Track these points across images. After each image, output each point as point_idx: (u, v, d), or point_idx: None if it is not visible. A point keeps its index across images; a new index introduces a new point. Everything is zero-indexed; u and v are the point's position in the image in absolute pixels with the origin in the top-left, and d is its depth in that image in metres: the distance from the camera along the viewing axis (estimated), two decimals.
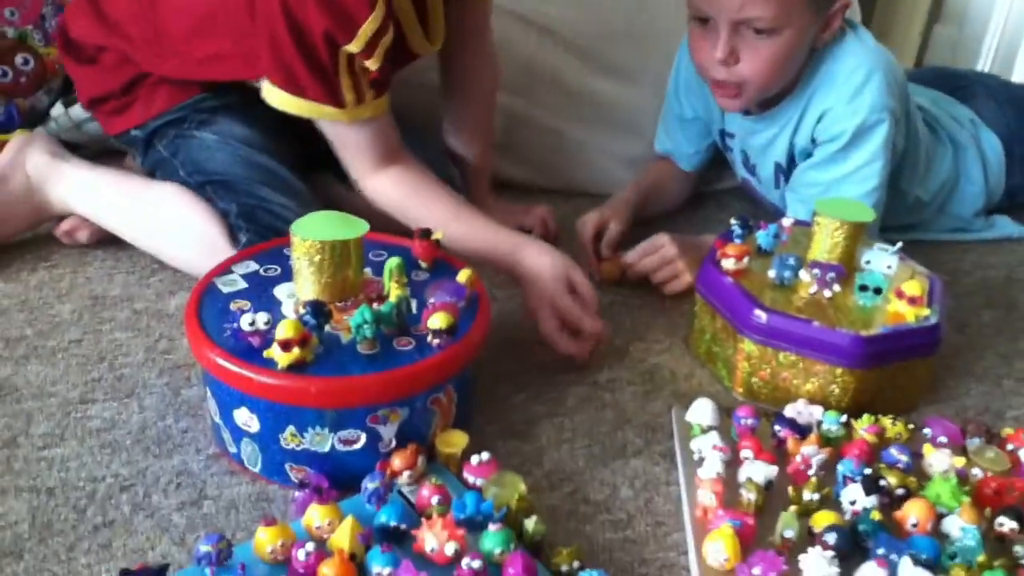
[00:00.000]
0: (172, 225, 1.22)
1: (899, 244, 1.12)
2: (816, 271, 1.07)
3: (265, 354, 0.84)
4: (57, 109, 1.43)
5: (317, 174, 1.32)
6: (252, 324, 0.85)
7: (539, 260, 1.10)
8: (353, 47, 1.04)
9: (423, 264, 1.02)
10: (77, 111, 1.39)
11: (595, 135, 1.60)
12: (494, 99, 1.46)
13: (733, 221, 1.16)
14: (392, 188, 1.16)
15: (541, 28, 1.55)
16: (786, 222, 1.18)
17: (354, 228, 0.93)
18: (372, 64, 1.07)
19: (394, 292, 0.92)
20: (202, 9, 1.17)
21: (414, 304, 0.94)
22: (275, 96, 1.11)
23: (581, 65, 1.57)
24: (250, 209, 1.18)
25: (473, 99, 1.43)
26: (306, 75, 1.07)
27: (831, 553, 0.81)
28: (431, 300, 0.93)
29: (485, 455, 0.89)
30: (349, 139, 1.15)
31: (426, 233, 1.02)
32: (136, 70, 1.23)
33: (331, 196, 1.31)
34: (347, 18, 1.03)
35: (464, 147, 1.44)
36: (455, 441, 0.92)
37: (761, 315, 1.04)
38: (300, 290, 0.93)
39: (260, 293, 0.95)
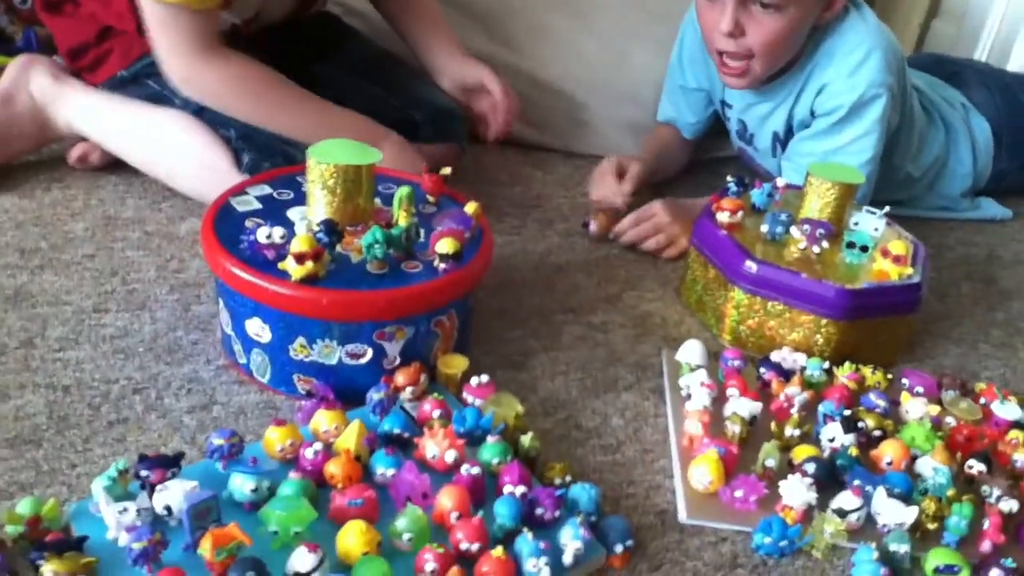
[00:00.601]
0: (176, 150, 1.23)
1: (886, 208, 1.17)
2: (806, 227, 1.12)
3: (280, 266, 0.87)
4: None
5: None
6: (268, 237, 0.88)
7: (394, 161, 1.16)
8: None
9: (430, 198, 1.06)
10: None
11: (596, 99, 1.63)
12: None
13: (729, 178, 1.20)
14: (216, 80, 1.17)
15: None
16: (780, 182, 1.22)
17: (367, 155, 0.96)
18: None
19: (403, 220, 0.96)
20: None
21: (422, 233, 0.97)
22: None
23: (588, 30, 1.61)
24: (250, 132, 1.20)
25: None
26: None
27: (809, 481, 0.85)
28: (439, 227, 0.97)
29: (484, 377, 0.93)
30: (169, 21, 1.13)
31: (435, 168, 1.05)
32: (107, 18, 1.26)
33: None
34: None
35: (426, 42, 1.45)
36: (456, 363, 0.96)
37: (752, 266, 1.08)
38: (312, 212, 0.97)
39: (273, 214, 0.98)
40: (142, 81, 1.26)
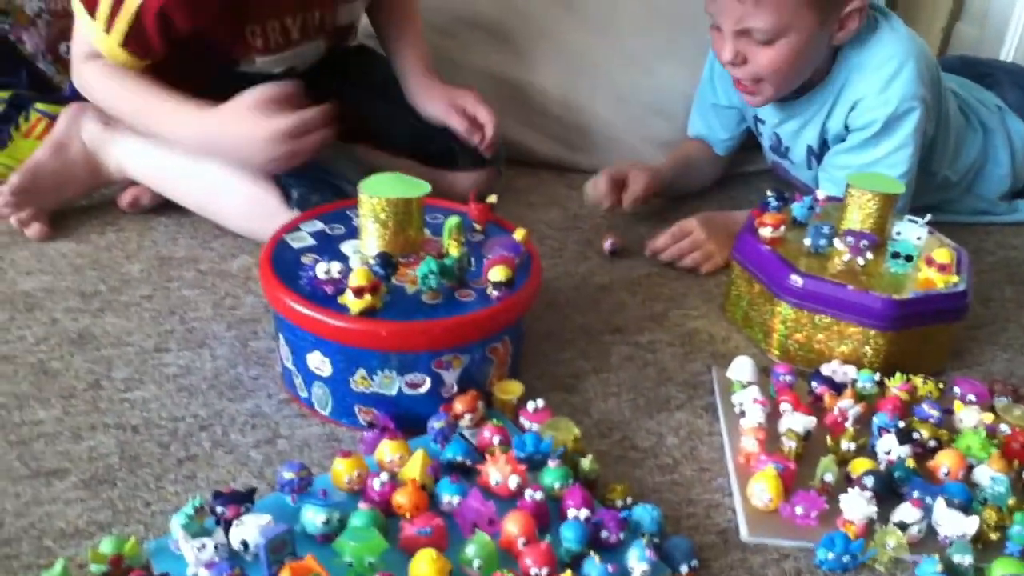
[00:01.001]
0: (225, 189, 1.25)
1: (928, 216, 1.17)
2: (850, 239, 1.12)
3: (339, 300, 0.90)
4: None
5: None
6: (327, 272, 0.91)
7: (235, 134, 1.16)
8: None
9: (477, 226, 1.08)
10: None
11: (627, 117, 1.65)
12: (418, 24, 1.48)
13: (769, 193, 1.21)
14: (94, 69, 1.20)
15: (579, 13, 1.60)
16: (820, 195, 1.23)
17: (416, 188, 0.99)
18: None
19: (453, 249, 0.98)
20: None
21: (473, 261, 0.99)
22: None
23: (616, 48, 1.62)
24: (298, 167, 1.20)
25: (399, 29, 1.46)
26: None
27: (869, 494, 0.86)
28: (489, 255, 0.98)
29: (540, 402, 0.94)
30: (80, 35, 1.19)
31: (481, 197, 1.07)
32: None
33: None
34: None
35: (395, 39, 1.46)
36: (511, 389, 0.98)
37: (797, 280, 1.09)
38: (365, 246, 0.99)
39: (328, 248, 1.01)
40: None
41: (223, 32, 1.20)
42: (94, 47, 1.18)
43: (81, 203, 1.35)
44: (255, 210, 1.22)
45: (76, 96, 1.48)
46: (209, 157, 1.22)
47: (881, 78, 1.30)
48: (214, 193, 1.27)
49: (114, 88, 1.21)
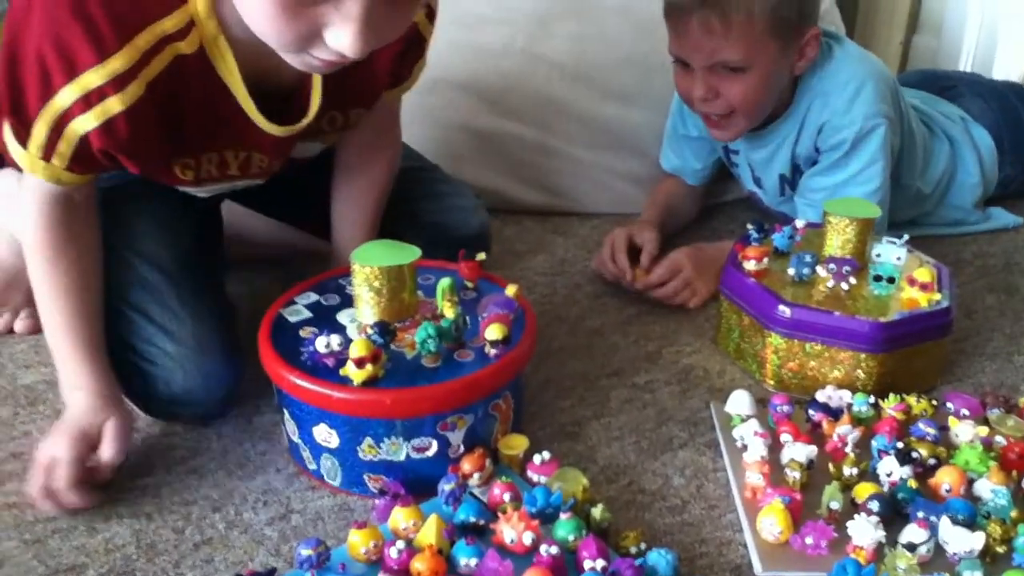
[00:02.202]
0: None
1: (905, 236, 1.20)
2: (832, 266, 1.15)
3: (341, 372, 0.91)
4: None
5: None
6: (327, 346, 0.92)
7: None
8: (68, 93, 0.87)
9: (468, 284, 1.10)
10: None
11: (604, 157, 1.68)
12: (385, 188, 1.26)
13: (749, 226, 1.24)
14: (37, 228, 0.98)
15: (548, 61, 1.64)
16: (799, 223, 1.26)
17: (407, 253, 1.01)
18: (83, 123, 0.88)
19: (448, 309, 1.00)
20: None
21: (468, 320, 1.01)
22: None
23: (588, 92, 1.66)
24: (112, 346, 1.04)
25: (360, 184, 1.24)
26: (6, 95, 0.90)
27: (876, 519, 0.88)
28: (484, 314, 1.00)
29: (546, 455, 0.96)
30: (16, 159, 0.94)
31: (470, 255, 1.09)
32: None
33: None
34: (68, 59, 0.86)
35: (344, 226, 1.26)
36: (516, 443, 0.99)
37: (785, 310, 1.11)
38: (361, 314, 1.01)
39: (324, 319, 1.02)
40: None
41: (148, 166, 1.00)
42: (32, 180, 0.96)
43: None
44: None
45: None
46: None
47: (843, 99, 1.34)
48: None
49: (40, 274, 1.00)
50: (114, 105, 0.88)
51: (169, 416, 1.06)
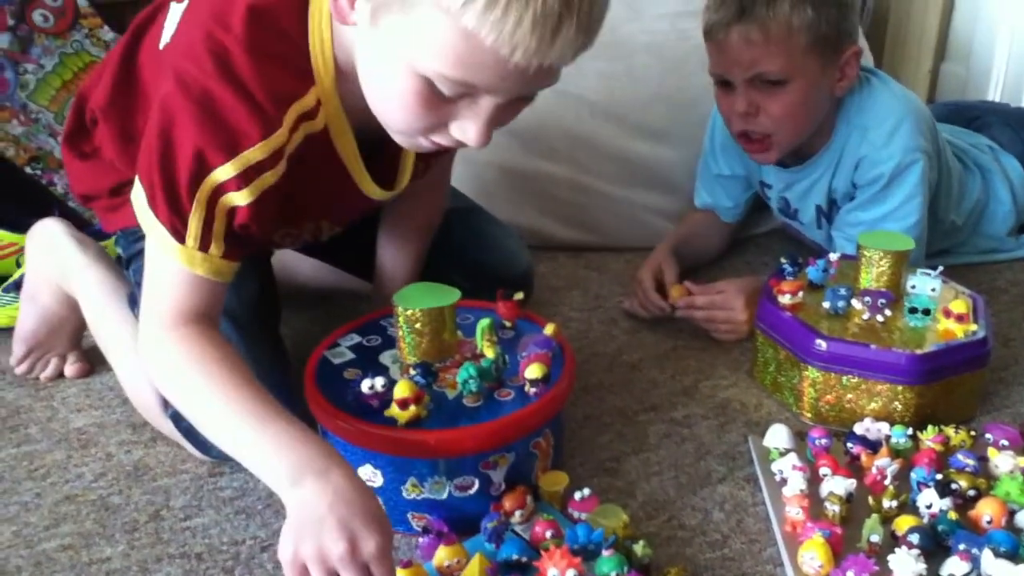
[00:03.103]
0: (127, 370, 1.18)
1: (940, 268, 1.21)
2: (867, 299, 1.16)
3: (386, 413, 0.93)
4: None
5: None
6: (371, 388, 0.95)
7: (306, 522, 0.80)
8: (224, 172, 0.88)
9: (507, 323, 1.12)
10: None
11: (635, 193, 1.70)
12: (431, 232, 1.29)
13: (783, 260, 1.25)
14: (177, 346, 0.91)
15: (579, 99, 1.67)
16: (833, 256, 1.27)
17: (448, 295, 1.03)
18: (239, 198, 0.89)
19: (488, 349, 1.02)
20: None
21: (507, 359, 1.03)
22: (136, 191, 0.93)
23: (619, 130, 1.69)
24: None
25: (408, 228, 1.26)
26: (160, 189, 0.89)
27: (916, 552, 0.88)
28: (524, 353, 1.02)
29: (586, 491, 0.97)
30: (161, 276, 0.93)
31: (508, 295, 1.11)
32: (125, 173, 1.10)
33: None
34: (229, 135, 0.88)
35: (388, 268, 1.28)
36: (557, 480, 1.01)
37: (822, 344, 1.12)
38: (404, 355, 1.03)
39: (367, 361, 1.05)
40: (128, 267, 1.18)
41: (260, 239, 0.99)
42: (176, 283, 0.92)
43: None
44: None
45: (103, 234, 1.48)
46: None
47: (882, 134, 1.35)
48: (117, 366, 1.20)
49: (198, 398, 0.90)
50: (269, 179, 0.90)
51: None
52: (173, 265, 0.91)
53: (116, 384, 1.27)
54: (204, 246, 0.90)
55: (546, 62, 0.80)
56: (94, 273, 1.25)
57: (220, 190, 0.89)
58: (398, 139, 0.93)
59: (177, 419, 1.06)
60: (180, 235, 0.90)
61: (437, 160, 1.14)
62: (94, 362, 1.32)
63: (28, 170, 1.61)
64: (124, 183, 1.10)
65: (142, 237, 0.98)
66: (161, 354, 0.92)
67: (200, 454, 1.09)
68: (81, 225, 1.59)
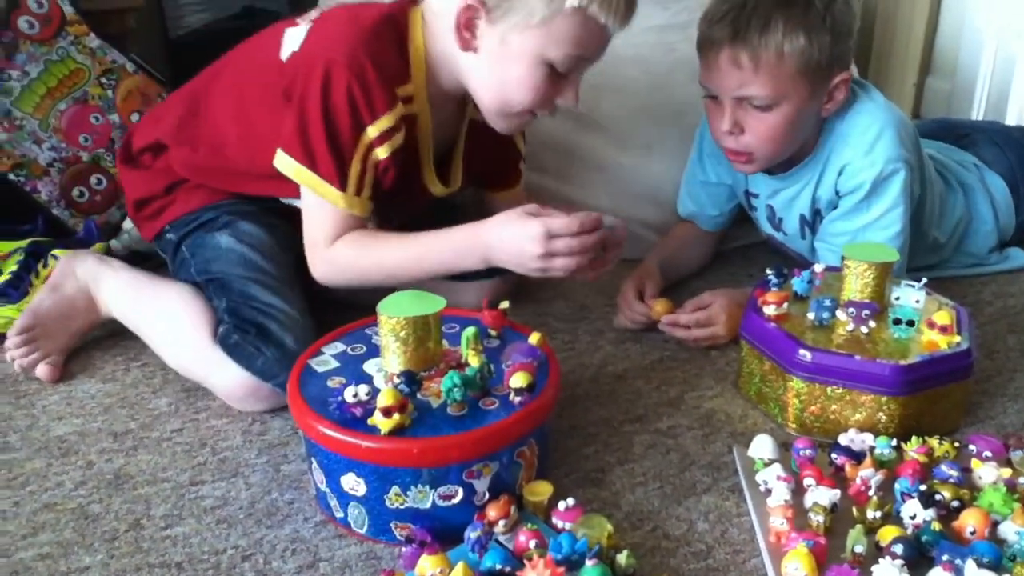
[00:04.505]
0: (169, 322, 1.30)
1: (924, 279, 1.21)
2: (852, 310, 1.16)
3: (369, 422, 0.93)
4: (128, 223, 1.56)
5: None
6: (355, 396, 0.94)
7: (507, 237, 1.14)
8: (373, 130, 1.18)
9: (492, 332, 1.12)
10: None
11: (622, 206, 1.69)
12: None
13: (768, 271, 1.26)
14: (344, 247, 1.22)
15: (565, 112, 1.65)
16: (818, 268, 1.27)
17: (433, 304, 1.03)
18: (382, 152, 1.19)
19: (472, 358, 1.02)
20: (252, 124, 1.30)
21: (492, 368, 1.03)
22: (284, 163, 1.21)
23: (605, 142, 1.69)
24: (236, 305, 1.25)
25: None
26: (324, 150, 1.18)
27: (900, 562, 0.88)
28: (508, 362, 1.02)
29: (571, 501, 0.97)
30: (326, 218, 1.22)
31: (494, 304, 1.11)
32: (179, 174, 1.37)
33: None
34: (374, 104, 1.17)
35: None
36: (541, 490, 1.00)
37: (806, 354, 1.12)
38: (388, 363, 1.03)
39: (351, 369, 1.04)
40: (180, 246, 1.36)
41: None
42: (336, 220, 1.21)
43: (103, 342, 1.39)
44: (186, 340, 1.26)
45: (89, 237, 1.54)
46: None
47: (865, 143, 1.36)
48: (161, 325, 1.31)
49: (377, 250, 1.23)
50: (398, 140, 1.21)
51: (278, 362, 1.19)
52: (332, 208, 1.21)
53: (98, 392, 1.26)
54: (359, 191, 1.21)
55: (622, 30, 1.21)
56: (126, 272, 1.39)
57: (371, 147, 1.20)
58: (500, 123, 1.28)
59: (225, 338, 1.22)
60: (341, 184, 1.19)
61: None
62: (75, 372, 1.32)
63: (11, 177, 1.60)
64: (176, 183, 1.37)
65: (193, 222, 1.35)
66: (334, 260, 1.23)
67: (244, 376, 1.19)
68: (66, 233, 1.59)
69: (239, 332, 1.21)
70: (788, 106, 1.31)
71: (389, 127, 1.19)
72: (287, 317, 1.23)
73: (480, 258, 1.18)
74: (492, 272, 1.36)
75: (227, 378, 1.20)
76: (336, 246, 1.23)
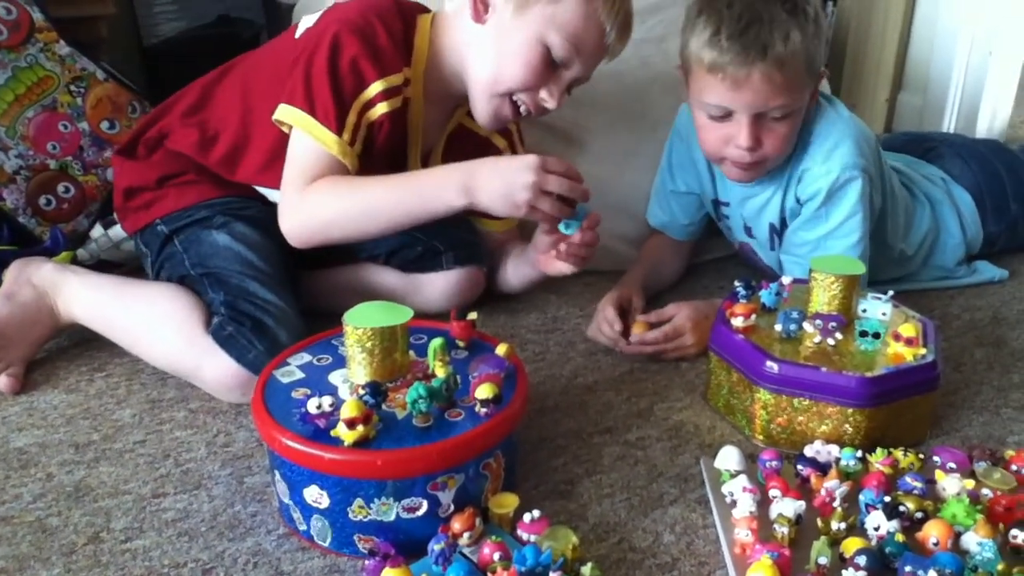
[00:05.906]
0: (154, 317, 1.29)
1: (890, 292, 1.22)
2: (819, 322, 1.17)
3: (332, 433, 0.92)
4: (97, 231, 1.54)
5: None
6: (319, 407, 0.93)
7: (501, 165, 1.21)
8: (376, 86, 1.25)
9: (460, 343, 1.11)
10: (116, 231, 1.50)
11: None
12: None
13: (737, 283, 1.26)
14: (319, 185, 1.24)
15: (540, 125, 1.67)
16: (786, 280, 1.28)
17: (399, 315, 1.02)
18: (380, 108, 1.26)
19: (439, 369, 1.01)
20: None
21: (459, 379, 1.02)
22: (283, 112, 1.26)
23: (580, 154, 1.69)
24: (234, 299, 1.27)
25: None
26: (326, 96, 1.23)
27: (864, 573, 0.88)
28: (475, 373, 1.01)
29: (536, 513, 0.96)
30: (311, 159, 1.25)
31: (463, 314, 1.11)
32: (172, 168, 1.39)
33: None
34: (381, 61, 1.26)
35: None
36: (507, 502, 0.99)
37: (773, 366, 1.13)
38: (353, 374, 1.02)
39: (316, 380, 1.03)
40: (172, 239, 1.37)
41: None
42: (322, 164, 1.25)
43: (68, 352, 1.37)
44: (178, 335, 1.26)
45: (56, 245, 1.53)
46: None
47: (823, 151, 1.38)
48: (147, 324, 1.30)
49: (353, 190, 1.25)
50: (396, 103, 1.28)
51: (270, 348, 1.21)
52: (322, 151, 1.25)
53: (61, 403, 1.25)
54: (352, 142, 1.26)
55: (616, 45, 1.32)
56: (95, 276, 1.39)
57: (370, 104, 1.26)
58: (485, 106, 1.33)
59: (219, 330, 1.23)
60: (338, 129, 1.24)
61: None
62: (38, 382, 1.30)
63: None
64: (168, 176, 1.40)
65: (187, 218, 1.36)
66: (306, 199, 1.25)
67: (235, 368, 1.21)
68: (32, 241, 1.57)
69: (234, 324, 1.23)
70: (798, 111, 1.33)
71: (391, 86, 1.26)
72: (283, 313, 1.25)
73: (462, 187, 1.20)
74: (458, 261, 1.45)
75: (218, 367, 1.21)
76: (312, 186, 1.24)
